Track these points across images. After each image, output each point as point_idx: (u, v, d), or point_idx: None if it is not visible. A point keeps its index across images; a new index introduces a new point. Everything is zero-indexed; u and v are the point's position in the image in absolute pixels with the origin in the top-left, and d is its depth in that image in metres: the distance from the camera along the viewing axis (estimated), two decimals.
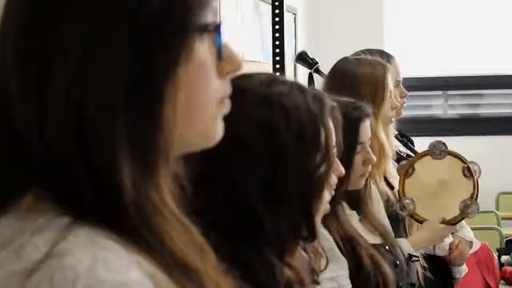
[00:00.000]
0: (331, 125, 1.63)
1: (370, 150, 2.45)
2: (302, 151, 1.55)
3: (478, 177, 2.90)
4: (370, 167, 2.47)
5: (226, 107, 0.95)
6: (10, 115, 0.86)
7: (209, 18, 0.90)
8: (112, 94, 0.84)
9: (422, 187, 2.90)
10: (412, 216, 2.92)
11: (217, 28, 0.91)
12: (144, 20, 0.86)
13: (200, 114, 0.91)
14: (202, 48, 0.90)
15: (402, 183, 2.91)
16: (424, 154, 2.96)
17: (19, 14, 0.88)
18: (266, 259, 1.50)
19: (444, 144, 2.94)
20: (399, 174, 2.94)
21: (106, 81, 0.84)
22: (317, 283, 1.98)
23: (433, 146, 2.94)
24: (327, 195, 1.65)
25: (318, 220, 1.63)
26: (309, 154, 1.56)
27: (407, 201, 2.88)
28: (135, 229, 0.85)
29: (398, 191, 2.91)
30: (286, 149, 1.53)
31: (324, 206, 1.64)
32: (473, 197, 2.87)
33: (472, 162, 2.92)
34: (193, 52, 0.88)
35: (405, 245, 2.74)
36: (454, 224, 2.90)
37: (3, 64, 0.87)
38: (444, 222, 2.86)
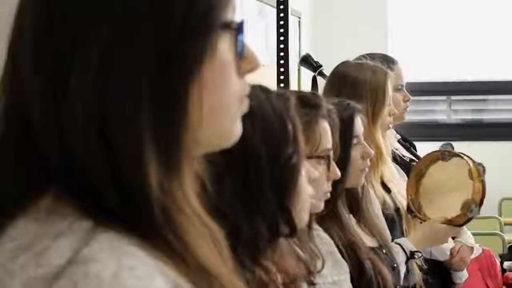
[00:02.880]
0: (297, 119, 1.66)
1: (366, 144, 2.47)
2: (271, 146, 1.57)
3: (481, 176, 2.89)
4: (369, 161, 2.48)
5: (245, 106, 0.94)
6: (27, 115, 0.85)
7: (230, 15, 0.90)
8: (136, 94, 0.83)
9: (431, 189, 2.90)
10: (419, 217, 2.92)
11: (239, 26, 0.91)
12: (167, 20, 0.85)
13: (223, 114, 0.90)
14: (224, 47, 0.89)
15: (414, 185, 2.91)
16: (435, 157, 2.97)
17: (36, 18, 0.86)
18: (240, 262, 1.51)
19: (451, 145, 2.95)
20: (410, 176, 2.95)
21: (129, 82, 0.83)
22: (313, 284, 1.99)
23: (442, 148, 2.96)
24: (306, 189, 1.66)
25: (301, 214, 1.65)
26: (278, 148, 1.59)
27: (415, 201, 2.90)
28: (159, 231, 0.84)
29: (407, 191, 2.92)
30: (255, 147, 1.55)
31: (304, 200, 1.65)
32: (473, 198, 2.86)
33: (477, 163, 2.92)
34: (217, 51, 0.88)
35: (406, 244, 2.75)
36: (457, 225, 2.89)
37: (20, 66, 0.86)
38: (445, 221, 2.85)
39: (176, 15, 0.85)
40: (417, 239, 2.83)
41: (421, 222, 2.91)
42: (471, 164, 2.89)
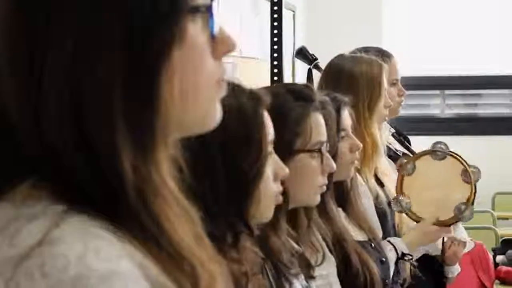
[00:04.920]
0: (266, 121, 1.66)
1: (354, 136, 2.47)
2: (230, 150, 1.59)
3: (477, 181, 2.89)
4: (357, 154, 2.48)
5: (224, 90, 0.95)
6: (5, 112, 0.86)
7: None
8: (108, 81, 0.84)
9: (420, 186, 2.90)
10: (407, 214, 2.92)
11: (208, 9, 0.91)
12: (135, 6, 0.85)
13: (197, 97, 0.91)
14: (195, 30, 0.89)
15: (400, 180, 2.91)
16: (425, 153, 2.97)
17: (8, 19, 0.87)
18: None
19: (445, 144, 2.94)
20: (398, 171, 2.95)
21: (100, 69, 0.84)
22: (313, 277, 1.99)
23: (434, 146, 2.94)
24: (270, 188, 1.68)
25: (263, 213, 1.67)
26: (238, 153, 1.60)
27: (403, 198, 2.89)
28: (134, 214, 0.85)
29: (396, 187, 2.92)
30: (212, 149, 1.56)
31: (268, 200, 1.67)
32: (469, 201, 2.87)
33: (472, 166, 2.91)
34: (187, 34, 0.88)
35: (399, 244, 2.76)
36: (448, 225, 2.91)
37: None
38: (437, 222, 2.87)
39: (145, 1, 0.86)
40: (409, 240, 2.85)
41: (415, 221, 2.91)
42: (467, 166, 2.89)
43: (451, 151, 2.94)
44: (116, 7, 0.85)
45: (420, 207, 2.90)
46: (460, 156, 2.94)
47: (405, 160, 2.96)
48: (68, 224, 0.82)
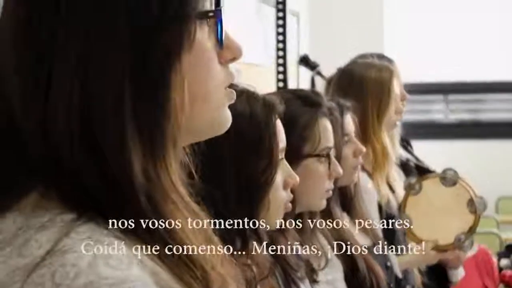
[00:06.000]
0: (278, 129, 1.67)
1: (357, 141, 2.48)
2: (242, 157, 1.61)
3: (482, 212, 2.91)
4: (361, 158, 2.49)
5: (233, 96, 0.96)
6: (11, 113, 0.87)
7: (207, 5, 0.91)
8: (117, 84, 0.85)
9: (424, 208, 2.91)
10: (408, 234, 2.94)
11: (217, 15, 0.92)
12: (143, 9, 0.86)
13: (207, 102, 0.92)
14: (203, 35, 0.90)
15: (405, 198, 2.92)
16: (434, 176, 2.97)
17: (15, 19, 0.88)
18: None
19: (455, 172, 2.94)
20: (405, 190, 2.95)
21: (108, 70, 0.85)
22: (316, 281, 2.01)
23: (445, 172, 2.94)
24: (280, 196, 1.69)
25: (272, 220, 1.69)
26: (249, 159, 1.62)
27: (404, 217, 2.90)
28: (144, 219, 0.85)
29: (400, 206, 2.93)
30: (223, 155, 1.58)
31: (276, 207, 1.69)
32: (470, 231, 2.89)
33: (479, 197, 2.92)
34: (195, 39, 0.89)
35: (394, 266, 2.76)
36: (446, 251, 2.92)
37: (3, 68, 0.88)
38: (436, 248, 2.89)
39: (153, 5, 0.86)
40: (408, 260, 2.89)
41: (415, 242, 2.92)
42: (474, 197, 2.90)
43: (460, 179, 2.94)
44: (123, 9, 0.85)
45: (420, 228, 2.91)
46: (468, 185, 2.94)
47: (414, 180, 2.97)
48: (77, 233, 0.82)
